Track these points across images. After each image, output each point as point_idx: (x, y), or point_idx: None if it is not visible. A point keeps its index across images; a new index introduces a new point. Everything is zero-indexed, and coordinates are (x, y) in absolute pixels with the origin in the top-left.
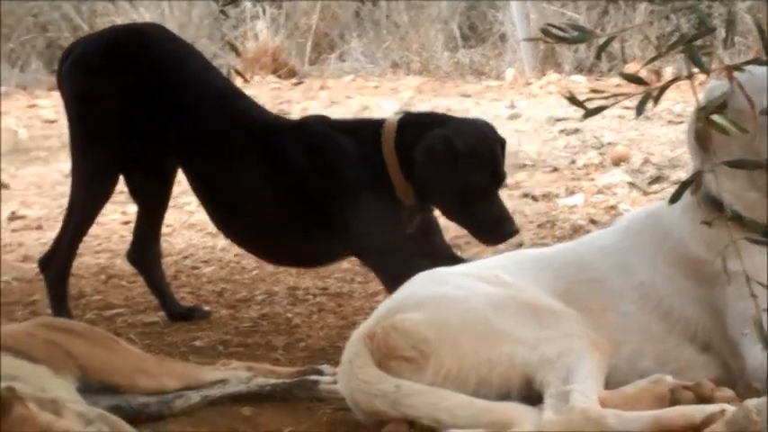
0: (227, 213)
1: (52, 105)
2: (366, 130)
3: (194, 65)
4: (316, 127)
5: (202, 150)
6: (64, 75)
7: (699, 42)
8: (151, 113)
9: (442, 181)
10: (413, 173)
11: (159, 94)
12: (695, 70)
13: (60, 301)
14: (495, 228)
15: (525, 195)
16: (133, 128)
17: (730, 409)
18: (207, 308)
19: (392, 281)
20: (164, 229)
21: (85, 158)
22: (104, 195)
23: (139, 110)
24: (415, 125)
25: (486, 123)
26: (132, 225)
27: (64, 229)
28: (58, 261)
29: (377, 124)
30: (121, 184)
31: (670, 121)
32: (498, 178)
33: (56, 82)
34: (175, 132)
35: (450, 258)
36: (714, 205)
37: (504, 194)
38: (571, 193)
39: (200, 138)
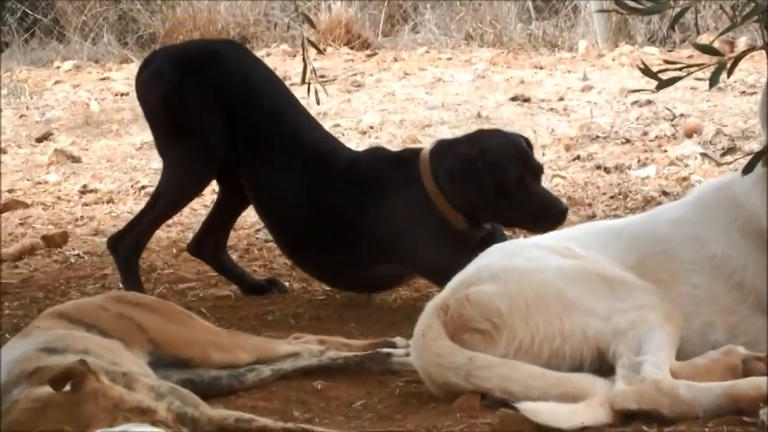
0: (287, 235)
1: (124, 78)
2: (409, 163)
3: (265, 86)
4: (371, 160)
5: (265, 173)
6: (143, 84)
7: None
8: (223, 129)
9: (476, 194)
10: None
11: (230, 113)
12: None
13: (132, 277)
14: (544, 214)
15: (598, 167)
16: (210, 136)
17: None
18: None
19: None
20: None
21: (177, 160)
22: (193, 193)
23: (213, 123)
24: (442, 152)
25: (511, 132)
26: (201, 198)
27: (143, 213)
28: (129, 242)
29: (415, 156)
30: None
31: (743, 92)
32: (531, 170)
33: (135, 89)
34: (241, 152)
35: None
36: None
37: (576, 166)
38: (643, 164)
39: (263, 161)
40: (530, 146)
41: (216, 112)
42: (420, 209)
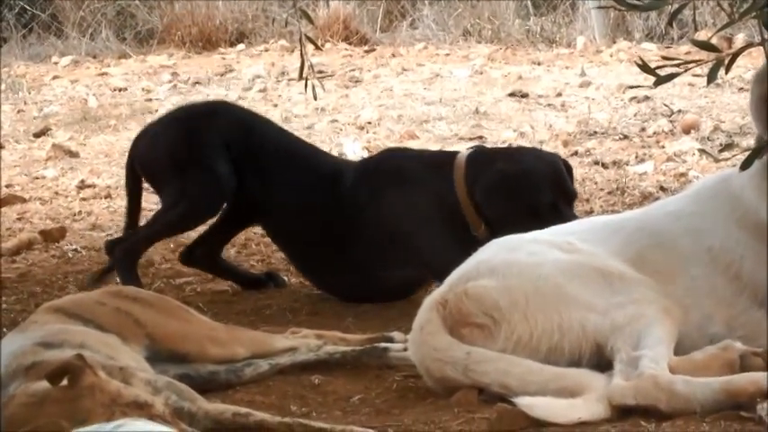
0: (316, 264)
1: (122, 74)
2: (441, 167)
3: (265, 126)
4: (392, 164)
5: (283, 208)
6: (144, 152)
7: None
8: (230, 168)
9: (508, 212)
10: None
11: (236, 161)
12: None
13: (129, 274)
14: None
15: (595, 163)
16: (219, 174)
17: None
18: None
19: None
20: None
21: (185, 189)
22: (201, 220)
23: (220, 163)
24: (480, 162)
25: (552, 153)
26: None
27: (148, 226)
28: (126, 246)
29: (450, 159)
30: None
31: (741, 89)
32: (566, 196)
33: (127, 165)
34: (255, 196)
35: None
36: None
37: (574, 162)
38: (641, 160)
39: (279, 196)
40: (569, 169)
41: (223, 153)
42: (445, 212)
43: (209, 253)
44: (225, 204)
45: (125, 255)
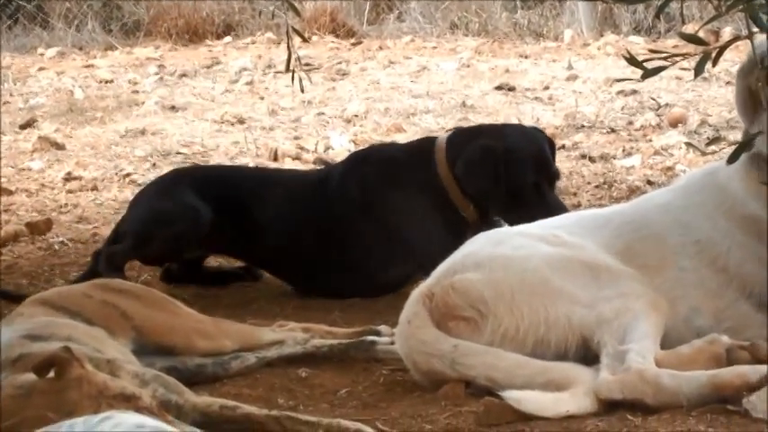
0: (308, 272)
1: (108, 65)
2: (422, 154)
3: (240, 168)
4: (371, 160)
5: (273, 232)
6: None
7: (760, 1)
8: (206, 210)
9: (489, 189)
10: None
11: (215, 210)
12: (755, 30)
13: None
14: None
15: (583, 156)
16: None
17: None
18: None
19: None
20: None
21: (168, 221)
22: (183, 248)
23: (194, 204)
24: (461, 141)
25: (534, 127)
26: None
27: (130, 240)
28: (109, 256)
29: (430, 144)
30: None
31: (728, 82)
32: (548, 176)
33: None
34: (237, 236)
35: None
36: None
37: (561, 156)
38: (628, 154)
39: (266, 222)
40: (552, 147)
41: (198, 199)
42: (431, 200)
43: (187, 268)
44: (202, 235)
45: (109, 264)
